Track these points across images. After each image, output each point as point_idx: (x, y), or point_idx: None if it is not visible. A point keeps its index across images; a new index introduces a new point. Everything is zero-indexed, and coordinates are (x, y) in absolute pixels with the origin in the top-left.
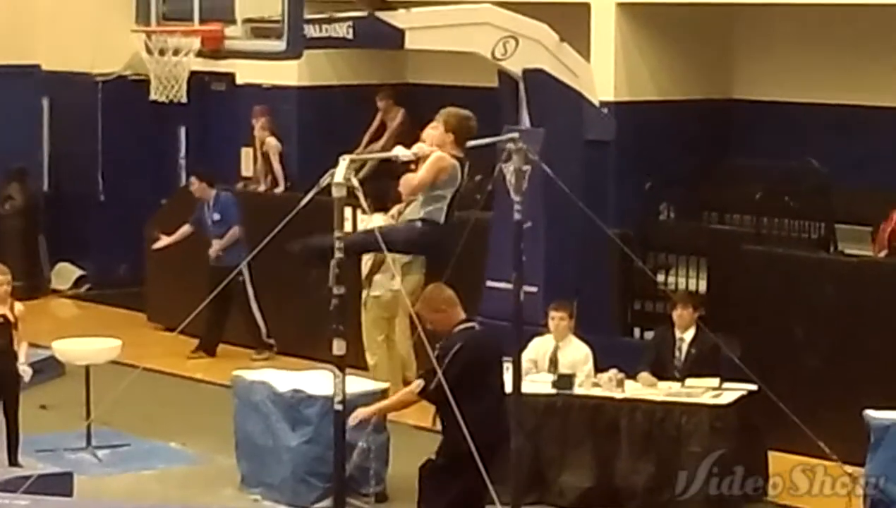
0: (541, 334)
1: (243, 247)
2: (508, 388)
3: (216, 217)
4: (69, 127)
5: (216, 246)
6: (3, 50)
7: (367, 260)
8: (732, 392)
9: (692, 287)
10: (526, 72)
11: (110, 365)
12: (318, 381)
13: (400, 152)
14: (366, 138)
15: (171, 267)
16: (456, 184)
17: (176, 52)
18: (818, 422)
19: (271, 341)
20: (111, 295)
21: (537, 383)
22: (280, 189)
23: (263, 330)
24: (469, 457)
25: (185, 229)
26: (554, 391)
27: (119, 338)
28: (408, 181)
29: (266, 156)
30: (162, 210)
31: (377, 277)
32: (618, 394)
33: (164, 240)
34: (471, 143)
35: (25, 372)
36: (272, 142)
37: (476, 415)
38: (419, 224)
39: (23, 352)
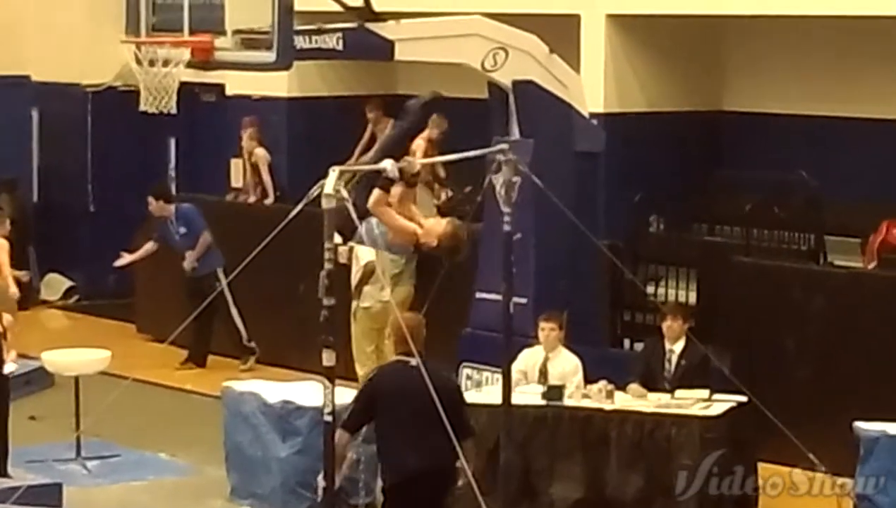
0: (530, 345)
1: (215, 252)
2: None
3: (182, 230)
4: (59, 138)
5: (190, 257)
6: None
7: (356, 271)
8: (722, 403)
9: (682, 298)
10: (516, 83)
11: (100, 375)
12: (307, 392)
13: (388, 165)
14: (357, 150)
15: (161, 278)
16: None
17: (166, 63)
18: (808, 434)
19: (252, 344)
20: (101, 306)
21: (527, 394)
22: (270, 200)
23: (243, 334)
24: (387, 492)
25: (149, 246)
26: (544, 402)
27: (109, 349)
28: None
29: (255, 167)
30: (151, 221)
31: (367, 288)
32: (607, 406)
33: (127, 258)
34: (460, 155)
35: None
36: (261, 152)
37: (383, 452)
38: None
39: (9, 358)
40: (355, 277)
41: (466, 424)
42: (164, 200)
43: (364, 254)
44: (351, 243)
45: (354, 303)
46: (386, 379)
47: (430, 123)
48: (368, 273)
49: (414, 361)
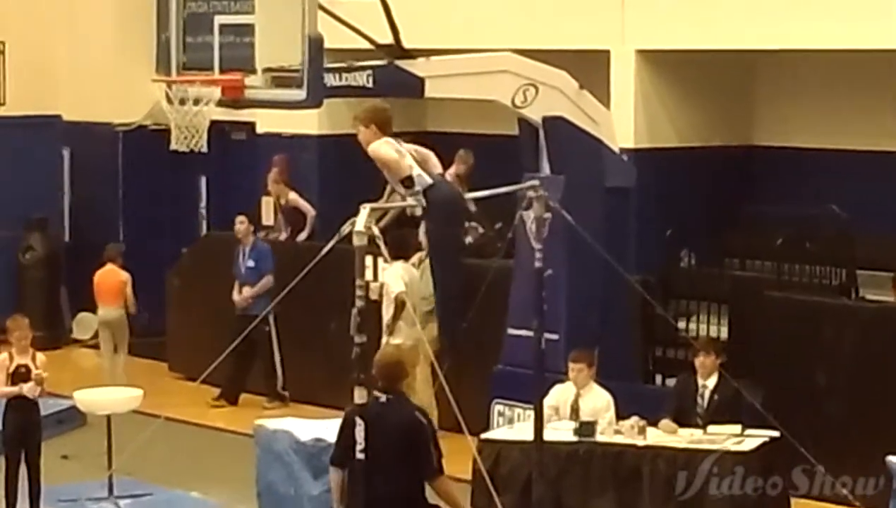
0: (562, 381)
1: (272, 297)
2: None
3: (250, 263)
4: (90, 177)
5: (246, 293)
6: (24, 101)
7: (387, 307)
8: (755, 438)
9: (713, 333)
10: (546, 119)
11: (132, 414)
12: None
13: (414, 200)
14: (388, 187)
15: (192, 316)
16: (404, 151)
17: (196, 102)
18: (840, 468)
19: (286, 393)
20: (132, 345)
21: (559, 430)
22: (304, 234)
23: (280, 381)
24: None
25: (266, 281)
26: (576, 438)
27: (140, 388)
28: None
29: (283, 207)
30: (183, 259)
31: (400, 324)
32: (640, 442)
33: (247, 292)
34: (491, 192)
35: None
36: (293, 196)
37: (350, 482)
38: (421, 197)
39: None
40: (386, 313)
41: (430, 463)
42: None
43: (394, 286)
44: (382, 279)
45: (385, 340)
46: (346, 415)
47: (458, 159)
48: (399, 305)
49: (384, 397)
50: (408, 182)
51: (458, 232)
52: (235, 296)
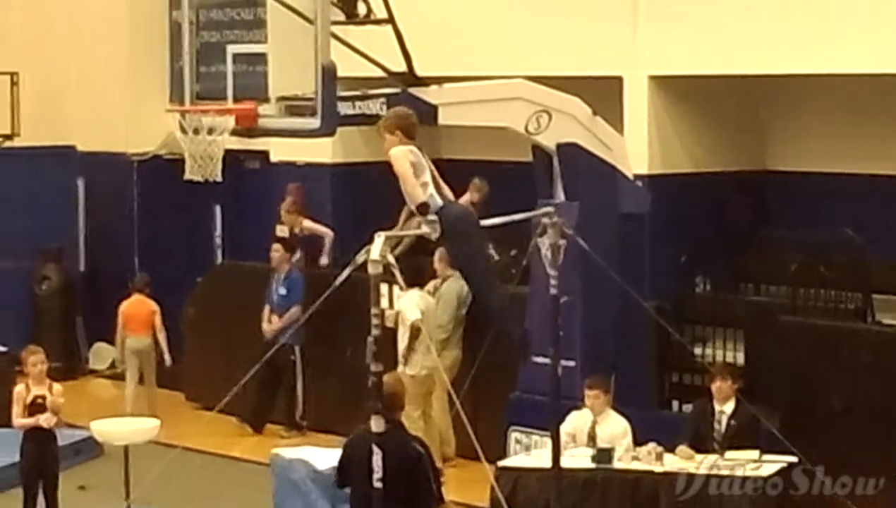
0: (578, 408)
1: (299, 328)
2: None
3: (282, 291)
4: (105, 207)
5: (275, 322)
6: (38, 131)
7: (402, 335)
8: (772, 464)
9: (729, 358)
10: (560, 146)
11: (149, 444)
12: None
13: (428, 228)
14: (403, 215)
15: (208, 346)
16: (424, 164)
17: (210, 131)
18: (858, 492)
19: (304, 423)
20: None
21: (576, 457)
22: (325, 259)
23: (300, 410)
24: None
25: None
26: (593, 465)
27: (157, 418)
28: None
29: (298, 235)
30: (198, 288)
31: (415, 355)
32: (657, 468)
33: (276, 324)
34: (506, 218)
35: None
36: (307, 223)
37: None
38: (436, 224)
39: (44, 418)
40: (402, 342)
41: (430, 492)
42: (290, 255)
43: (410, 314)
44: (397, 307)
45: (400, 369)
46: (355, 444)
47: (472, 187)
48: (415, 332)
49: (378, 428)
50: (422, 208)
51: (481, 246)
52: (265, 326)
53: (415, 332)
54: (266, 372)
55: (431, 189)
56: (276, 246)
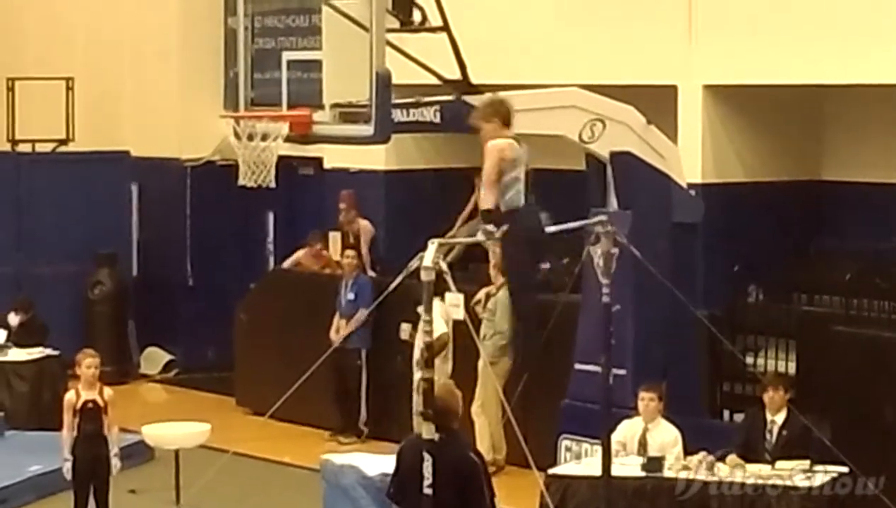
0: (629, 416)
1: (366, 332)
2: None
3: (351, 296)
4: (158, 212)
5: (343, 327)
6: (93, 137)
7: (419, 344)
8: (824, 474)
9: (781, 368)
10: (613, 154)
11: (199, 449)
12: None
13: (483, 236)
14: (459, 221)
15: (260, 351)
16: (523, 161)
17: (264, 138)
18: None
19: (365, 430)
20: (200, 380)
21: (626, 466)
22: (364, 249)
23: (363, 416)
24: None
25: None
26: (643, 474)
27: (208, 422)
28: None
29: (357, 239)
30: (250, 294)
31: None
32: (708, 477)
33: (343, 331)
34: (558, 227)
35: (115, 466)
36: (365, 224)
37: None
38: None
39: (114, 440)
40: (417, 350)
41: (477, 505)
42: (361, 260)
43: (438, 326)
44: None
45: (417, 376)
46: (407, 453)
47: None
48: (441, 345)
49: (437, 437)
50: (488, 213)
51: (537, 259)
52: (332, 334)
53: (441, 345)
54: (337, 381)
55: (520, 185)
56: (350, 251)
